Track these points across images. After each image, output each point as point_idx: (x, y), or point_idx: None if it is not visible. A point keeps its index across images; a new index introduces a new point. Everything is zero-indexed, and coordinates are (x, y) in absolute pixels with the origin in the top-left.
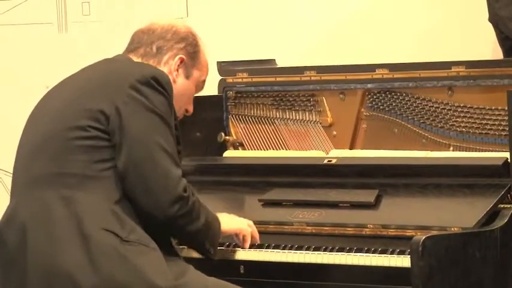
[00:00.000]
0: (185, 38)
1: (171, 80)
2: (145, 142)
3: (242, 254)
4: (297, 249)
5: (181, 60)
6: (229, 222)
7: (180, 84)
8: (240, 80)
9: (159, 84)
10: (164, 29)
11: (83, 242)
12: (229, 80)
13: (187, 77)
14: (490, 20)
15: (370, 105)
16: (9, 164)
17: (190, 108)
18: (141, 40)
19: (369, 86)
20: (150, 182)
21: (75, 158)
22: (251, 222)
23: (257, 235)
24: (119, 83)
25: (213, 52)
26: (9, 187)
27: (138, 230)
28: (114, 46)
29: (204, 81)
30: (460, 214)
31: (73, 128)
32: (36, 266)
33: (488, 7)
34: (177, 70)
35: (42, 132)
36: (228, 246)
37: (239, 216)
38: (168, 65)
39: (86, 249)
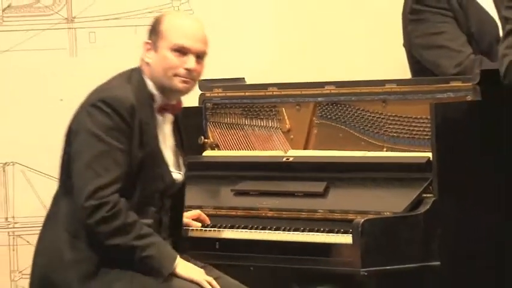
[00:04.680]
0: (151, 25)
1: (146, 65)
2: (76, 158)
3: (217, 233)
4: (261, 229)
5: (146, 45)
6: (189, 269)
7: (154, 60)
8: (216, 94)
9: (107, 105)
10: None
11: (48, 236)
12: (208, 94)
13: (156, 50)
14: (404, 45)
15: (320, 114)
16: (31, 161)
17: (189, 65)
18: None
19: (319, 99)
20: (75, 189)
21: (62, 166)
22: (209, 278)
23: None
24: (83, 107)
25: None
26: (33, 182)
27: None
28: (116, 68)
29: (177, 43)
30: (391, 201)
31: (64, 141)
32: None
33: (403, 34)
34: (148, 52)
35: None
36: (206, 226)
37: (216, 202)
38: (143, 58)
39: (46, 242)
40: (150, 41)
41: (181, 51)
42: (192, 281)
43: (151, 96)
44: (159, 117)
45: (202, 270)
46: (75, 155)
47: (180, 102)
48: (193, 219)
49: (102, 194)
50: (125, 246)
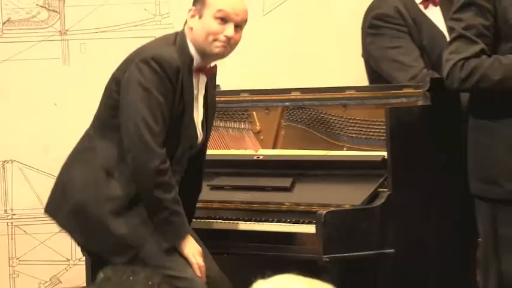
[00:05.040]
0: None
1: (190, 29)
2: (128, 107)
3: (196, 223)
4: (235, 220)
5: (191, 11)
6: (190, 248)
7: (197, 26)
8: None
9: (157, 64)
10: None
11: (82, 169)
12: None
13: (200, 17)
14: (363, 56)
15: (287, 117)
16: (28, 159)
17: (228, 33)
18: None
19: (286, 103)
20: (126, 136)
21: (103, 109)
22: (201, 265)
23: (196, 266)
24: (133, 59)
25: None
26: (29, 178)
27: (126, 175)
28: (104, 75)
29: (221, 10)
30: (351, 195)
31: (107, 89)
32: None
33: (362, 46)
34: (192, 18)
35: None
36: None
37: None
38: (188, 23)
39: (81, 175)
40: (195, 8)
41: (223, 19)
42: (186, 259)
43: (191, 58)
44: (195, 78)
45: (201, 252)
46: (127, 105)
47: (215, 66)
48: None
49: (154, 145)
50: (159, 203)
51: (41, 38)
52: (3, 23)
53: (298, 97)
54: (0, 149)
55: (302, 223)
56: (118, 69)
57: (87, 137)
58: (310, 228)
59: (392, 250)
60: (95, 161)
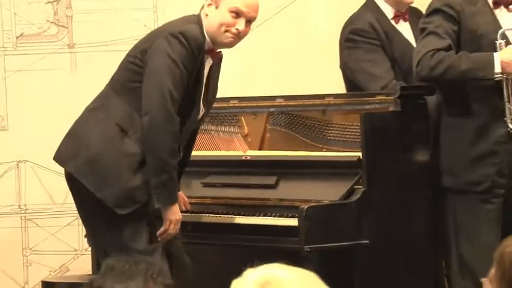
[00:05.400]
0: None
1: (206, 15)
2: (155, 73)
3: (190, 217)
4: (225, 214)
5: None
6: (172, 214)
7: (213, 15)
8: None
9: (185, 39)
10: None
11: (98, 124)
12: None
13: (216, 7)
14: (340, 66)
15: (272, 122)
16: (39, 159)
17: (240, 27)
18: None
19: (271, 109)
20: (148, 101)
21: (123, 73)
22: (175, 230)
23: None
24: (160, 33)
25: None
26: (40, 177)
27: (139, 134)
28: (104, 82)
29: (237, 7)
30: (329, 192)
31: (131, 56)
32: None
33: (340, 58)
34: (209, 6)
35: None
36: (181, 212)
37: (189, 192)
38: (204, 9)
39: (98, 129)
40: None
41: (237, 13)
42: (165, 220)
43: (204, 40)
44: (206, 59)
45: (179, 221)
46: (153, 72)
47: (220, 52)
48: None
49: (173, 112)
50: (163, 165)
51: (51, 50)
52: (17, 37)
53: (282, 104)
54: (15, 151)
55: (286, 217)
56: (142, 41)
57: (103, 96)
58: (293, 222)
59: (367, 241)
60: (110, 117)
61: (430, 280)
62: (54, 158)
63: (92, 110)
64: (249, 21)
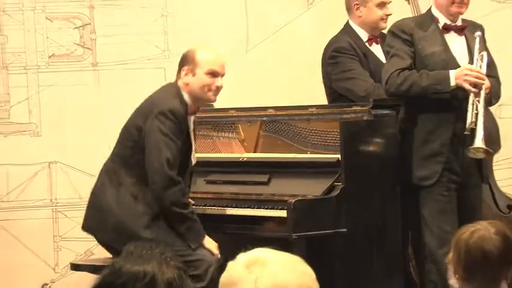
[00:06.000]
0: (185, 57)
1: (185, 84)
2: (155, 149)
3: (196, 210)
4: (225, 207)
5: (183, 71)
6: (209, 243)
7: (192, 82)
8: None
9: (173, 115)
10: (181, 58)
11: (114, 196)
12: None
13: (193, 75)
14: (323, 81)
15: (265, 129)
16: (68, 160)
17: (218, 83)
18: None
19: (264, 118)
20: (152, 172)
21: (124, 151)
22: (217, 253)
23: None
24: (151, 110)
25: None
26: (69, 175)
27: (148, 197)
28: (125, 96)
29: (212, 69)
30: (313, 188)
31: (127, 132)
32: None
33: (322, 73)
34: (186, 76)
35: (122, 129)
36: None
37: (194, 188)
38: (182, 79)
39: (114, 197)
40: (187, 68)
41: (213, 74)
42: (210, 252)
43: (186, 105)
44: (189, 119)
45: (217, 246)
46: (152, 149)
47: (198, 107)
48: None
49: (174, 176)
50: (181, 216)
51: (78, 68)
52: (49, 57)
53: (272, 113)
54: (47, 153)
55: (276, 209)
56: (136, 116)
57: (111, 171)
58: (283, 213)
59: (345, 230)
60: (123, 188)
61: (399, 263)
62: (82, 228)
63: (106, 184)
64: (222, 76)
